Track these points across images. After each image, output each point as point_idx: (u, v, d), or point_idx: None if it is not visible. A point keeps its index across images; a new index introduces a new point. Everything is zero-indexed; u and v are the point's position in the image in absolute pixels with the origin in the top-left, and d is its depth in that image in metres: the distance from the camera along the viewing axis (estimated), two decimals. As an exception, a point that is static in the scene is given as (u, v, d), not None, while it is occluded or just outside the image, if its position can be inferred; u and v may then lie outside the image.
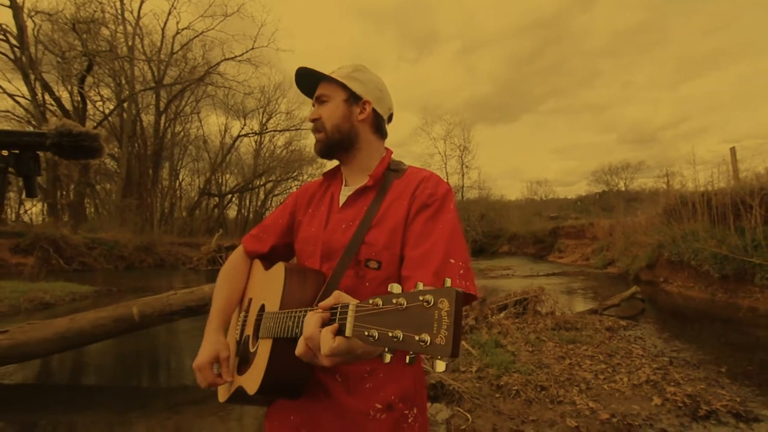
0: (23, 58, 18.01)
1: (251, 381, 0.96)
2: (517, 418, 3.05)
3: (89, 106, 21.95)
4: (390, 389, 0.98)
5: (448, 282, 0.55)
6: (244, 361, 1.07)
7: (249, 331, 1.10)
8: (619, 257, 13.83)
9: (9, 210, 29.77)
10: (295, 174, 32.96)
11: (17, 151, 0.98)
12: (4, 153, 0.96)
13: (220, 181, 31.98)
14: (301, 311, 0.84)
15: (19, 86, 19.61)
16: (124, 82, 22.42)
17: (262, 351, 0.96)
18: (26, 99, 19.32)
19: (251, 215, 33.22)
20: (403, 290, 0.90)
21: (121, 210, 21.04)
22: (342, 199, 1.10)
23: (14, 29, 17.77)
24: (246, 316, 1.16)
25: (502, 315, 5.77)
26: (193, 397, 3.60)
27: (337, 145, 1.09)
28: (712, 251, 8.39)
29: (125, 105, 22.45)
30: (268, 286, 1.06)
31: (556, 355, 4.38)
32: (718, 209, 8.88)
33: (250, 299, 1.18)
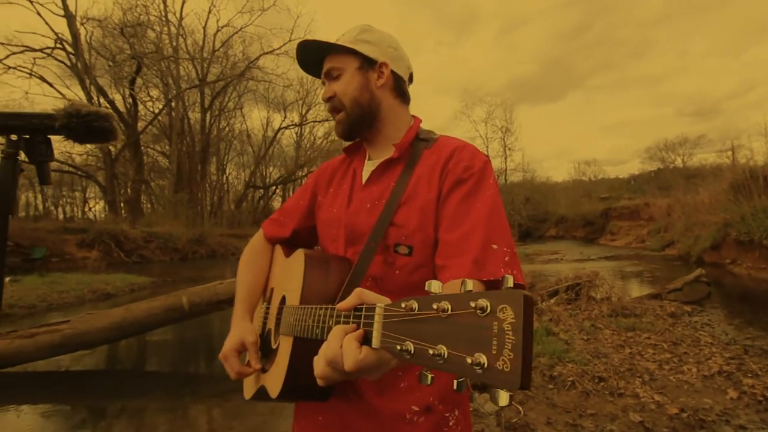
0: (78, 65, 19.10)
1: (273, 382, 0.86)
2: (574, 412, 2.85)
3: (140, 107, 23.04)
4: (428, 389, 0.85)
5: (509, 281, 0.39)
6: (266, 358, 0.98)
7: (271, 324, 1.01)
8: (679, 238, 12.94)
9: (75, 208, 32.13)
10: (336, 164, 33.27)
11: (27, 136, 0.92)
12: (13, 137, 0.91)
13: (264, 173, 32.86)
14: (321, 308, 0.71)
15: (76, 92, 20.89)
16: (170, 81, 23.34)
17: (283, 350, 0.86)
18: (84, 103, 20.55)
19: (296, 205, 33.99)
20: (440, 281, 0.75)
21: (173, 204, 22.08)
22: (365, 175, 0.96)
23: (69, 37, 18.85)
24: (268, 308, 1.07)
25: (552, 301, 5.49)
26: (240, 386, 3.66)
27: (360, 120, 0.95)
28: (790, 229, 7.61)
29: (173, 104, 23.38)
30: (289, 276, 0.95)
31: (615, 344, 4.09)
32: (796, 183, 8.02)
33: (272, 289, 1.08)
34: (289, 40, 26.03)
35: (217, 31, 25.22)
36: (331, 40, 0.97)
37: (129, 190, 22.76)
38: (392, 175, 0.92)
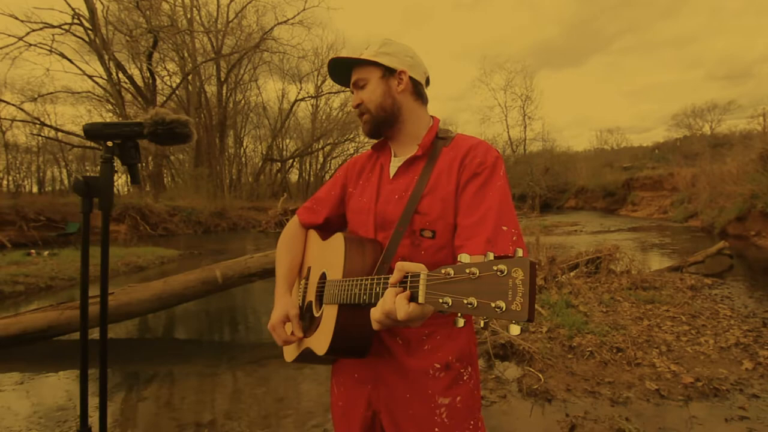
0: (97, 40, 19.20)
1: (319, 343, 1.04)
2: (592, 380, 3.00)
3: (158, 81, 23.15)
4: (447, 350, 1.04)
5: (520, 252, 0.58)
6: (309, 325, 1.15)
7: (311, 297, 1.17)
8: (703, 209, 12.74)
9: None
10: (351, 136, 33.19)
11: (119, 142, 1.06)
12: (109, 144, 1.05)
13: (281, 146, 33.01)
14: (366, 279, 0.89)
15: (95, 67, 21.13)
16: (186, 55, 23.32)
17: (329, 315, 1.02)
18: (103, 78, 20.79)
19: (312, 178, 34.20)
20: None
21: (194, 178, 22.50)
22: (392, 171, 1.12)
23: (86, 12, 18.89)
24: (306, 284, 1.23)
25: (572, 274, 5.59)
26: (274, 353, 3.91)
27: (384, 122, 1.11)
28: (819, 201, 7.44)
29: (189, 78, 23.43)
30: (329, 255, 1.12)
31: (633, 316, 4.20)
32: (829, 153, 7.78)
33: (309, 268, 1.25)
34: (303, 9, 25.57)
35: (231, 0, 24.91)
36: (357, 53, 1.14)
37: (151, 165, 23.19)
38: (416, 169, 1.07)
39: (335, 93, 32.33)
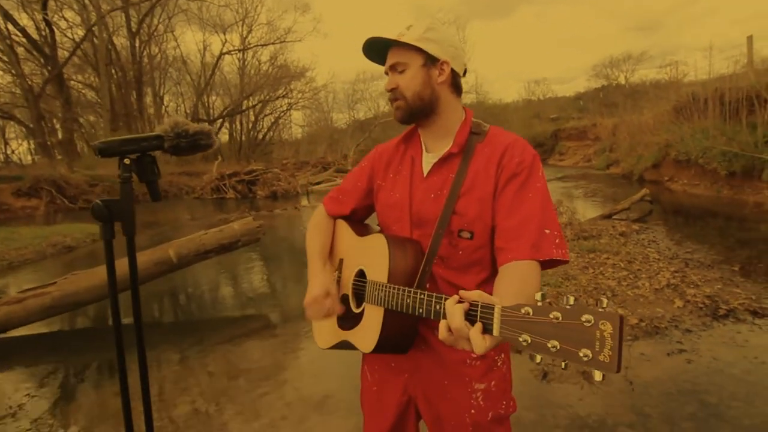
0: (-27, -17, 16.27)
1: (363, 341, 1.07)
2: (554, 330, 3.30)
3: (57, 33, 20.29)
4: None
5: (604, 302, 0.60)
6: (347, 318, 1.17)
7: (346, 290, 1.19)
8: (624, 158, 13.88)
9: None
10: (284, 92, 31.62)
11: (135, 157, 0.96)
12: (126, 161, 0.94)
13: (207, 104, 30.76)
14: (423, 294, 0.90)
15: (-25, 16, 17.98)
16: (87, 1, 20.49)
17: (373, 316, 1.05)
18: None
19: (243, 138, 32.43)
20: (499, 260, 0.98)
21: (113, 144, 20.46)
22: (426, 167, 1.10)
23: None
24: (339, 276, 1.24)
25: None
26: (244, 331, 3.86)
27: (419, 111, 1.07)
28: (722, 149, 8.41)
29: (95, 30, 20.75)
30: (367, 254, 1.13)
31: (580, 266, 4.61)
32: (731, 104, 8.71)
33: (341, 260, 1.25)
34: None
35: (136, -62, 21.95)
36: (395, 33, 1.06)
37: (60, 130, 20.75)
38: (451, 167, 1.06)
39: (263, 45, 30.34)
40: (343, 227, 1.27)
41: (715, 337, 3.09)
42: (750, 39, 9.53)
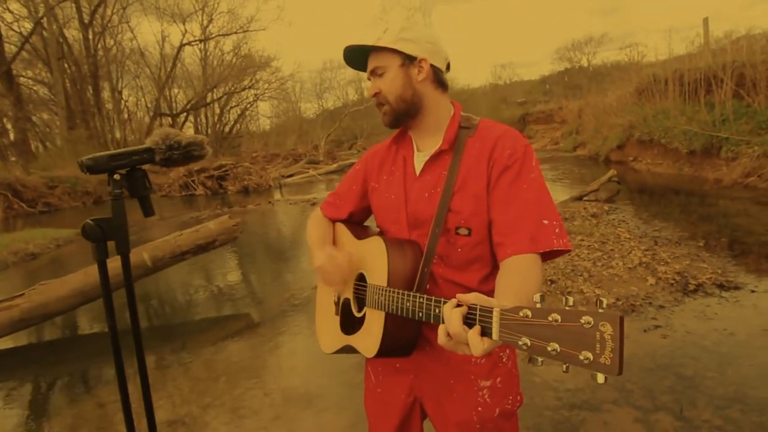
0: None
1: (366, 345, 1.07)
2: (536, 313, 3.39)
3: (2, 27, 19.04)
4: None
5: (604, 302, 0.59)
6: (348, 322, 1.17)
7: (347, 294, 1.18)
8: (590, 140, 14.26)
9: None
10: (249, 83, 30.82)
11: (124, 171, 0.92)
12: (117, 177, 0.89)
13: (169, 98, 29.68)
14: (422, 297, 0.89)
15: None
16: (33, -8, 19.30)
17: (374, 321, 1.05)
18: None
19: (210, 132, 31.50)
20: (498, 256, 0.98)
21: (71, 143, 19.53)
22: (418, 166, 1.10)
23: None
24: None
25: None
26: (228, 332, 3.80)
27: (405, 113, 1.07)
28: (683, 128, 8.76)
29: (44, 22, 19.58)
30: (366, 257, 1.12)
31: (556, 249, 4.73)
32: (690, 85, 9.06)
33: None
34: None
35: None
36: (374, 38, 1.06)
37: (12, 131, 19.61)
38: (443, 164, 1.05)
39: (226, 35, 29.41)
40: (342, 231, 1.26)
41: (687, 312, 3.25)
42: (706, 21, 9.90)
